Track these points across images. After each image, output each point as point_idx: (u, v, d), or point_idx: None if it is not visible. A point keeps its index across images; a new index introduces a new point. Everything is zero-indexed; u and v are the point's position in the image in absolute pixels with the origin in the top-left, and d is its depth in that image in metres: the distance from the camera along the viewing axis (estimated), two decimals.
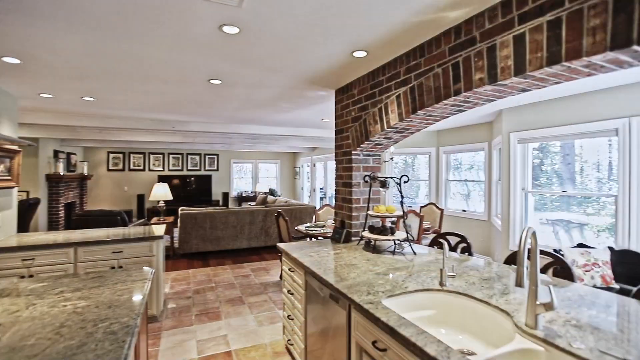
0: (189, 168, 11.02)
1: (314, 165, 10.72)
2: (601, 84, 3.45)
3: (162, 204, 6.12)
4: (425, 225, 4.89)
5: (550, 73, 1.51)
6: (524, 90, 1.80)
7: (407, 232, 2.49)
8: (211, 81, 3.24)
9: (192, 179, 10.89)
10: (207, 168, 11.28)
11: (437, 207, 5.47)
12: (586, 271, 3.13)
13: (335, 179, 3.14)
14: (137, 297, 1.64)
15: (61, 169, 7.14)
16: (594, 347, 1.12)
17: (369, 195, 2.80)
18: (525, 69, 1.53)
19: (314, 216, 6.77)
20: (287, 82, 3.26)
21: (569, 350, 1.12)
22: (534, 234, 1.27)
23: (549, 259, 2.11)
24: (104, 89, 3.53)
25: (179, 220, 5.85)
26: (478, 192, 6.07)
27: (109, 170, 9.96)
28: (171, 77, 3.11)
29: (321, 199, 10.52)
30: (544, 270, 2.10)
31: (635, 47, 1.18)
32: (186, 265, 5.37)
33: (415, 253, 2.44)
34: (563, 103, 3.98)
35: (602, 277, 3.09)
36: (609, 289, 3.03)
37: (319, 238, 3.98)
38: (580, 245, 3.54)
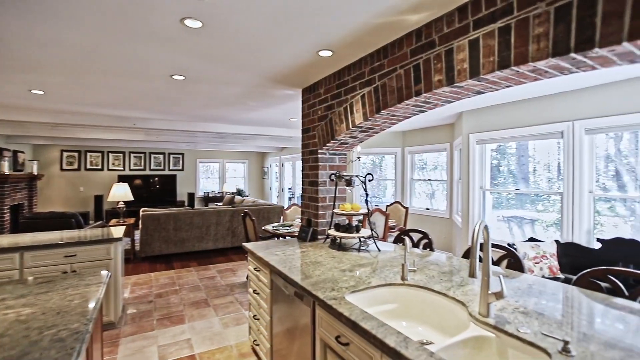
0: (152, 168, 10.56)
1: (283, 165, 10.66)
2: (552, 89, 3.72)
3: (122, 205, 5.82)
4: (391, 223, 5.02)
5: (502, 76, 1.60)
6: (479, 93, 1.90)
7: (372, 230, 2.54)
8: (174, 77, 3.13)
9: (156, 179, 10.45)
10: (171, 168, 10.87)
11: (402, 205, 5.64)
12: (536, 263, 3.36)
13: (302, 178, 3.15)
14: (90, 302, 1.55)
15: (6, 168, 6.58)
16: (538, 331, 1.21)
17: (335, 193, 2.83)
18: (480, 72, 1.61)
19: (281, 216, 6.73)
20: (254, 80, 3.22)
21: (516, 335, 1.20)
22: (485, 227, 1.35)
23: (502, 252, 2.24)
24: (56, 82, 3.30)
25: (140, 221, 5.59)
26: (442, 191, 6.33)
27: (62, 169, 9.31)
28: (132, 72, 2.97)
29: (289, 198, 10.48)
30: (498, 262, 2.23)
31: (573, 55, 1.28)
32: (148, 268, 5.14)
33: (379, 250, 2.50)
34: (518, 106, 4.24)
35: (550, 268, 3.34)
36: (556, 278, 3.27)
37: (286, 237, 3.96)
38: (531, 240, 3.80)
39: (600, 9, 1.18)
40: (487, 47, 1.57)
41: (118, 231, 3.40)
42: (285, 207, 5.92)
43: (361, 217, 4.98)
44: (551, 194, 4.25)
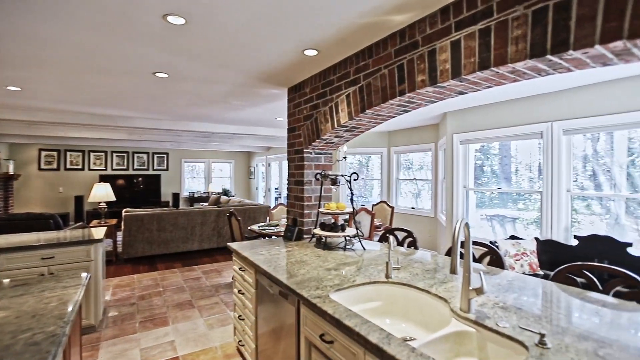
0: (135, 167, 10.34)
1: (269, 164, 10.61)
2: (533, 91, 3.82)
3: (103, 205, 5.67)
4: (377, 222, 5.06)
5: (482, 77, 1.64)
6: (461, 93, 1.93)
7: (357, 229, 2.56)
8: (157, 74, 3.07)
9: (140, 179, 10.23)
10: (155, 167, 10.67)
11: (388, 205, 5.69)
12: (517, 260, 3.44)
13: (288, 177, 3.14)
14: (68, 305, 1.50)
15: None
16: (516, 325, 1.24)
17: (321, 193, 2.84)
18: (461, 73, 1.65)
19: (268, 216, 6.69)
20: (239, 79, 3.19)
21: (495, 329, 1.23)
22: (466, 225, 1.38)
23: (484, 250, 2.29)
24: (33, 78, 3.19)
25: (122, 222, 5.46)
26: (427, 191, 6.42)
27: (40, 169, 9.01)
28: (113, 69, 2.90)
29: (276, 198, 10.43)
30: (480, 259, 2.28)
31: (550, 57, 1.32)
32: (131, 270, 5.03)
33: (364, 248, 2.52)
34: (500, 107, 4.34)
35: (530, 265, 3.43)
36: (535, 275, 3.36)
37: (272, 237, 3.94)
38: (512, 237, 3.89)
39: (574, 12, 1.22)
40: (468, 48, 1.61)
41: (99, 232, 3.32)
42: (271, 207, 5.88)
43: (347, 217, 5.00)
44: (531, 192, 4.36)
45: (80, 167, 9.49)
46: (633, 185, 3.48)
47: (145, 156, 10.49)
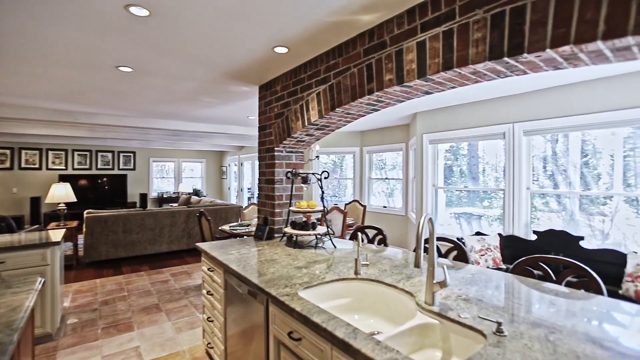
0: (99, 167, 9.83)
1: (242, 164, 10.45)
2: (497, 93, 4.00)
3: (62, 206, 5.35)
4: (349, 221, 5.11)
5: (446, 77, 1.70)
6: (427, 93, 1.99)
7: (328, 227, 2.56)
8: (120, 68, 2.94)
9: (104, 179, 9.75)
10: (121, 167, 10.20)
11: (360, 204, 5.77)
12: (481, 255, 3.59)
13: (259, 176, 3.10)
14: (17, 311, 1.40)
15: None
16: (476, 315, 1.30)
17: (292, 191, 2.82)
18: (426, 73, 1.69)
19: (239, 216, 6.58)
20: (208, 75, 3.11)
21: (457, 320, 1.27)
22: (430, 220, 1.42)
23: (450, 245, 2.37)
24: None
25: (84, 224, 5.18)
26: (400, 190, 6.56)
27: None
28: (72, 60, 2.74)
29: (249, 198, 10.29)
30: (446, 254, 2.36)
31: (507, 59, 1.38)
32: (93, 274, 4.78)
33: (335, 247, 2.53)
34: (467, 108, 4.51)
35: (493, 260, 3.59)
36: (499, 269, 3.53)
37: (244, 237, 3.87)
38: (478, 234, 4.06)
39: (528, 18, 1.29)
40: (432, 49, 1.65)
41: (57, 235, 3.12)
42: (243, 207, 5.79)
43: (319, 215, 5.00)
44: (495, 190, 4.57)
45: (37, 166, 8.90)
46: (586, 184, 3.74)
47: (109, 155, 10.01)
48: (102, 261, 5.45)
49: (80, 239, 6.65)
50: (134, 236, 5.52)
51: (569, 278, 1.72)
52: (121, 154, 10.19)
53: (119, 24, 2.05)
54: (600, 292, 1.58)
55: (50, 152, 9.09)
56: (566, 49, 1.19)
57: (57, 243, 2.90)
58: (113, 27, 2.11)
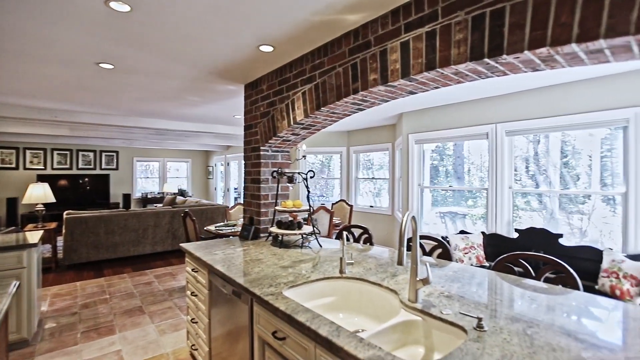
0: (79, 167, 9.57)
1: (228, 164, 10.34)
2: (481, 94, 4.08)
3: (40, 207, 5.18)
4: (336, 221, 5.13)
5: (429, 77, 1.72)
6: (411, 93, 2.01)
7: (314, 226, 2.57)
8: (101, 65, 2.87)
9: (86, 179, 9.49)
10: (103, 167, 9.95)
11: (347, 203, 5.79)
12: (465, 253, 3.66)
13: (244, 175, 3.08)
14: None
15: None
16: (458, 312, 1.32)
17: (277, 191, 2.81)
18: (410, 73, 1.71)
19: (225, 216, 6.52)
20: (193, 73, 3.07)
21: (439, 316, 1.29)
22: (413, 218, 1.43)
23: (434, 243, 2.40)
24: None
25: (63, 225, 5.03)
26: (387, 190, 6.61)
27: None
28: (51, 56, 2.66)
29: (235, 199, 10.20)
30: (430, 252, 2.39)
31: (487, 60, 1.41)
32: (73, 277, 4.64)
33: (321, 246, 2.53)
34: (452, 109, 4.58)
35: (477, 257, 3.66)
36: (482, 266, 3.60)
37: (230, 237, 3.84)
38: (462, 232, 4.13)
39: (507, 20, 1.32)
40: (416, 50, 1.67)
41: (34, 237, 3.02)
42: (229, 207, 5.73)
43: (306, 215, 5.00)
44: (479, 190, 4.66)
45: (13, 166, 8.59)
46: (565, 183, 3.85)
47: (91, 154, 9.76)
48: (82, 263, 5.30)
49: (60, 241, 6.46)
50: (117, 237, 5.40)
51: (547, 274, 1.77)
52: (103, 154, 9.94)
53: (100, 19, 2.00)
54: (576, 287, 1.62)
55: (28, 151, 8.79)
56: (543, 50, 1.23)
57: (34, 245, 2.81)
58: (93, 23, 2.05)
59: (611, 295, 2.79)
